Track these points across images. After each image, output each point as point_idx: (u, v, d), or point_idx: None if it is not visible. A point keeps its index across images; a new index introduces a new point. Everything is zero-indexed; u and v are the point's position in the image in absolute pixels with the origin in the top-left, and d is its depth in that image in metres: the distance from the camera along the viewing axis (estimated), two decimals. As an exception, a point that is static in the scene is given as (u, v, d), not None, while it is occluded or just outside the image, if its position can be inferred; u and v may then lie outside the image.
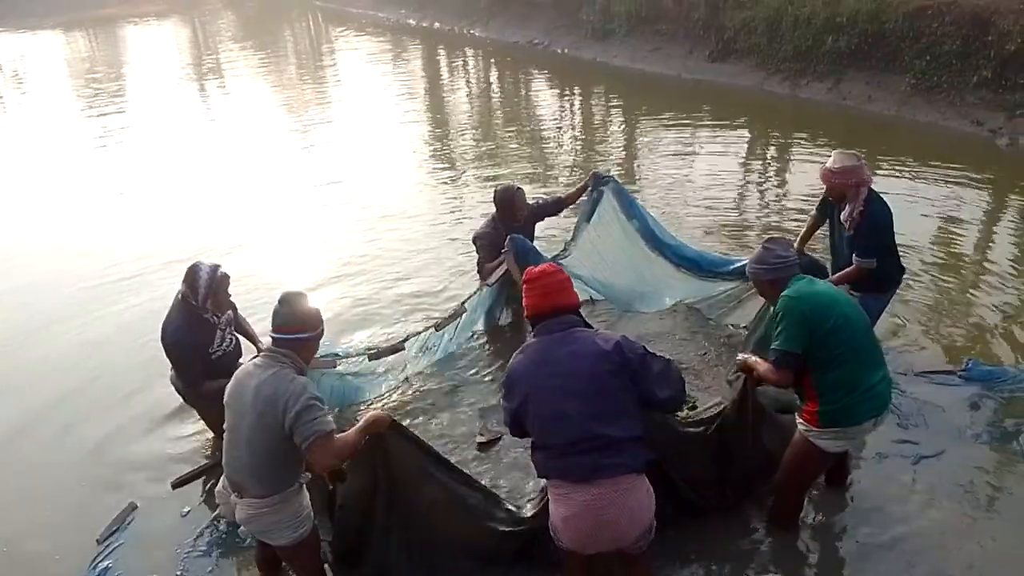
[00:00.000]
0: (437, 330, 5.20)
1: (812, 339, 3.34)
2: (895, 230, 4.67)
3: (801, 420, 3.55)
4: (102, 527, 4.23)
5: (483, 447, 4.65)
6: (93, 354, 6.15)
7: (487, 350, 5.69)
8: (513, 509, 3.70)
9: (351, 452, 3.21)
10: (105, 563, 4.00)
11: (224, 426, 3.28)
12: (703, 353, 5.39)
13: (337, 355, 4.68)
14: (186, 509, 4.33)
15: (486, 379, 5.35)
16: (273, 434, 3.06)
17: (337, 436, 3.12)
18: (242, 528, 3.86)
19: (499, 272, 5.26)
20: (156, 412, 5.16)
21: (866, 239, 4.51)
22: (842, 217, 4.62)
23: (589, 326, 3.22)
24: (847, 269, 4.61)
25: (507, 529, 3.61)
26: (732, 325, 5.61)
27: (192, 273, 4.20)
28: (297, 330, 3.18)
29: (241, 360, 4.34)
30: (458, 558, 3.63)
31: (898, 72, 11.95)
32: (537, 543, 3.50)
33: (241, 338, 4.66)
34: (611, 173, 5.66)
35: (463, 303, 5.31)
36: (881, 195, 4.59)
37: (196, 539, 4.10)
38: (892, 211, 4.60)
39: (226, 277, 4.31)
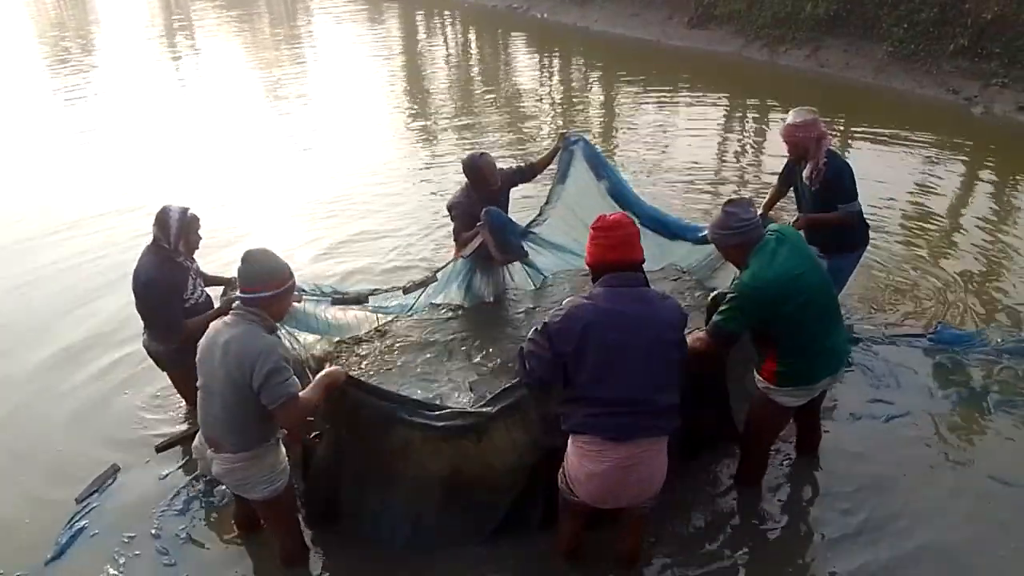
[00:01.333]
0: (405, 293, 5.18)
1: (773, 319, 3.33)
2: (860, 192, 4.70)
3: (760, 377, 3.58)
4: (82, 487, 4.22)
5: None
6: (77, 311, 6.11)
7: (470, 324, 5.60)
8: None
9: (313, 410, 3.25)
10: (82, 523, 3.99)
11: (197, 383, 3.25)
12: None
13: (303, 290, 4.67)
14: (166, 472, 4.32)
15: (470, 355, 5.25)
16: (243, 392, 3.05)
17: (300, 396, 3.11)
18: (219, 486, 3.90)
19: (474, 244, 5.19)
20: (141, 375, 5.07)
21: (840, 185, 4.55)
22: (804, 175, 4.66)
23: (649, 284, 3.14)
24: (833, 214, 4.61)
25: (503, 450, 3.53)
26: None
27: (162, 215, 4.14)
28: (264, 287, 3.11)
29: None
30: (441, 498, 3.61)
31: (876, 40, 11.99)
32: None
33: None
34: (580, 134, 5.60)
35: (435, 272, 5.28)
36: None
37: (172, 498, 4.10)
38: (856, 170, 4.65)
39: (196, 218, 4.23)
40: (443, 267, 5.34)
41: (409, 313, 5.51)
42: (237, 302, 3.17)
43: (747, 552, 3.67)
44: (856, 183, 4.64)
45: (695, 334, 3.49)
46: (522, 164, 5.75)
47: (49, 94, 14.61)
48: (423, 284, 5.22)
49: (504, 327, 5.56)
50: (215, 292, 4.60)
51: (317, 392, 3.23)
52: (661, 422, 3.01)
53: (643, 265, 3.12)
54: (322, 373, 3.33)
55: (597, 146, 5.79)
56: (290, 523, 3.56)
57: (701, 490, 4.01)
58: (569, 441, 3.10)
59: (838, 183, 4.55)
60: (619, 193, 5.47)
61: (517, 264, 5.63)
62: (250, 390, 3.03)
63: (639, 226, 5.04)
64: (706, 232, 4.73)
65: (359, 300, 4.96)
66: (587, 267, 3.17)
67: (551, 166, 5.71)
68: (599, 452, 2.98)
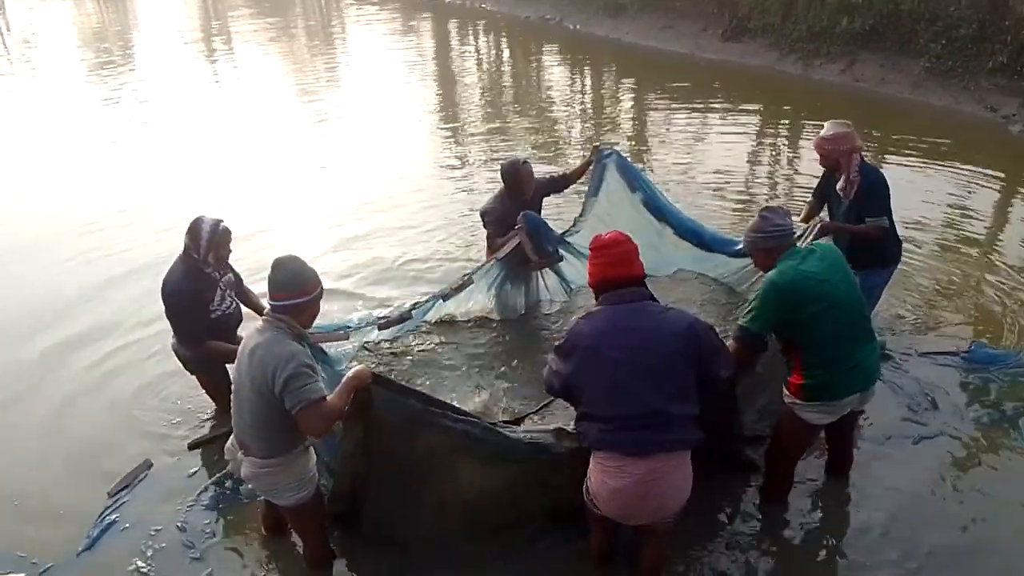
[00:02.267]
0: (444, 300, 5.22)
1: (795, 322, 3.32)
2: (893, 208, 4.67)
3: (786, 391, 3.55)
4: (114, 481, 4.29)
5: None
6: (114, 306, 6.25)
7: (504, 339, 5.57)
8: (527, 437, 3.55)
9: (339, 414, 3.22)
10: (113, 516, 4.06)
11: (232, 386, 3.32)
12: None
13: (348, 327, 4.71)
14: (196, 468, 4.39)
15: (500, 368, 5.22)
16: (267, 399, 3.06)
17: (325, 401, 3.10)
18: (245, 485, 3.94)
19: (509, 247, 5.23)
20: (174, 373, 5.04)
21: (869, 199, 4.52)
22: (838, 187, 4.65)
23: (654, 298, 3.19)
24: (861, 226, 4.57)
25: (523, 457, 3.50)
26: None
27: (195, 226, 4.22)
28: (292, 295, 3.14)
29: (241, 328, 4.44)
30: (466, 504, 3.59)
31: (912, 55, 11.86)
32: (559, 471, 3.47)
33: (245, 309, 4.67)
34: (614, 146, 5.60)
35: (470, 275, 5.29)
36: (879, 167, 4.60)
37: (200, 494, 4.17)
38: (891, 186, 4.62)
39: (228, 232, 4.31)
40: (476, 270, 5.35)
41: (454, 313, 5.59)
42: (267, 309, 3.21)
43: (767, 570, 3.63)
44: (890, 199, 4.60)
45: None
46: (555, 174, 5.75)
47: (87, 97, 14.96)
48: (460, 288, 5.24)
49: (536, 339, 5.53)
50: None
51: (343, 395, 3.20)
52: (678, 435, 3.00)
53: (644, 280, 3.16)
54: (348, 374, 3.29)
55: (629, 157, 5.77)
56: (316, 529, 3.58)
57: (726, 503, 3.98)
58: (591, 458, 3.11)
59: (870, 196, 4.51)
60: (654, 204, 5.49)
61: (551, 274, 5.66)
62: (273, 396, 3.04)
63: (675, 236, 5.05)
64: (741, 245, 4.75)
65: (403, 318, 4.97)
66: (590, 286, 3.22)
67: (583, 178, 5.73)
68: (619, 468, 2.99)
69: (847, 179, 4.56)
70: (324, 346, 4.24)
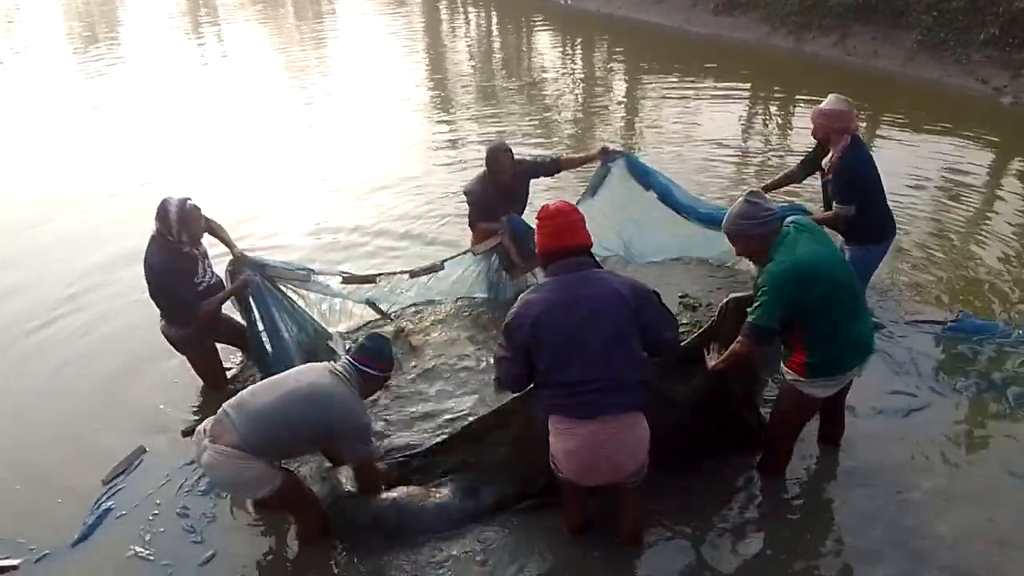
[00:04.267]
0: (411, 277, 5.21)
1: (800, 307, 3.31)
2: (886, 185, 4.71)
3: (788, 369, 3.57)
4: (109, 468, 4.31)
5: None
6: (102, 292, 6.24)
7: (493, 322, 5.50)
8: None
9: (378, 491, 3.69)
10: (108, 503, 4.08)
11: (273, 374, 3.57)
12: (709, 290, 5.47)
13: (312, 270, 4.82)
14: (191, 454, 4.31)
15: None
16: (310, 420, 3.32)
17: (377, 468, 3.70)
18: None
19: (489, 244, 5.24)
20: (164, 359, 5.10)
21: (842, 185, 4.54)
22: (823, 162, 4.68)
23: (600, 266, 3.27)
24: (826, 213, 4.65)
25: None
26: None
27: (162, 209, 4.22)
28: (375, 366, 3.54)
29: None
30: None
31: (905, 28, 11.79)
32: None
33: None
34: (621, 149, 5.56)
35: (443, 261, 5.28)
36: (868, 146, 4.61)
37: (198, 480, 4.17)
38: (876, 166, 4.63)
39: (196, 208, 4.31)
40: (452, 257, 5.33)
41: (415, 300, 5.58)
42: (346, 361, 3.53)
43: (760, 542, 3.67)
44: (870, 186, 4.60)
45: (732, 352, 3.52)
46: (545, 158, 5.68)
47: (72, 78, 14.85)
48: (430, 270, 5.25)
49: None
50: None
51: (383, 483, 3.71)
52: (626, 397, 3.09)
53: (590, 249, 3.22)
54: (387, 475, 3.81)
55: (623, 142, 5.75)
56: (301, 507, 3.63)
57: (722, 477, 4.01)
58: (548, 423, 3.19)
59: (840, 180, 4.52)
60: (670, 199, 5.47)
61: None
62: (318, 428, 3.36)
63: (696, 222, 5.03)
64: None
65: (367, 280, 5.06)
66: (537, 256, 3.26)
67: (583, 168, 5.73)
68: (570, 430, 3.10)
69: (832, 157, 4.59)
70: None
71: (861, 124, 4.88)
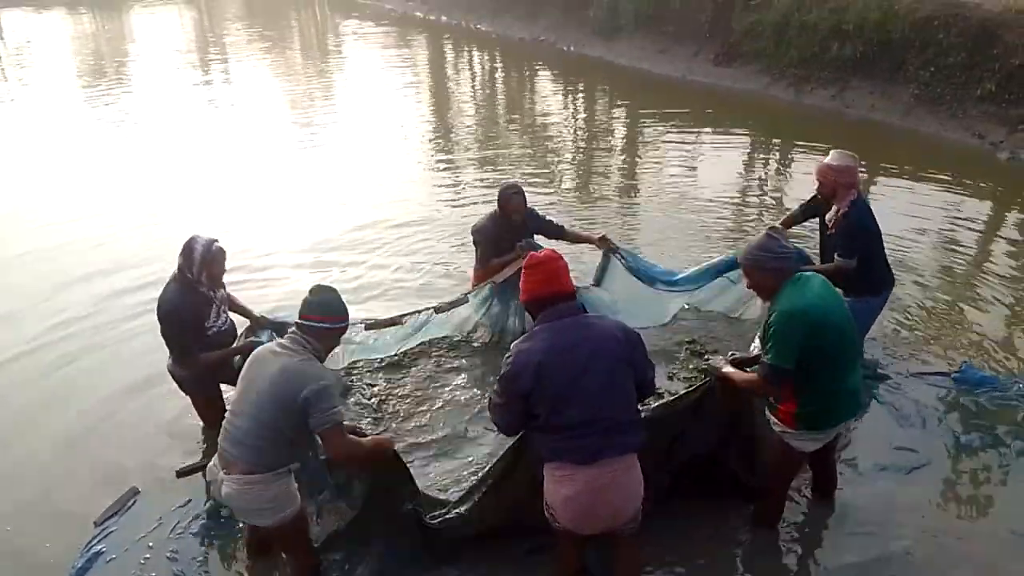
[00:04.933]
0: (437, 312, 5.35)
1: (808, 348, 3.29)
2: (884, 236, 4.76)
3: (776, 420, 3.55)
4: (101, 509, 4.25)
5: None
6: (100, 338, 6.18)
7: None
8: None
9: (358, 458, 3.45)
10: (99, 547, 4.00)
11: (233, 397, 3.39)
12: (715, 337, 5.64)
13: None
14: (185, 497, 4.33)
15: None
16: (284, 410, 3.16)
17: (349, 436, 3.35)
18: (224, 510, 3.98)
19: (507, 272, 5.29)
20: (165, 398, 5.06)
21: (846, 239, 4.57)
22: (827, 217, 4.71)
23: (586, 310, 3.32)
24: (827, 265, 4.66)
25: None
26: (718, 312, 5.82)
27: (188, 246, 4.22)
28: (324, 319, 3.31)
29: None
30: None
31: (902, 82, 11.97)
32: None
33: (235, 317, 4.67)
34: (619, 246, 5.67)
35: (467, 293, 5.45)
36: (869, 202, 4.66)
37: (190, 522, 4.12)
38: (877, 220, 4.69)
39: (221, 251, 4.31)
40: (474, 291, 5.45)
41: (444, 333, 5.65)
42: (294, 328, 3.33)
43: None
44: (872, 240, 4.64)
45: (745, 378, 3.56)
46: (553, 221, 5.74)
47: (80, 112, 14.99)
48: (456, 303, 5.39)
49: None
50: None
51: (366, 450, 3.45)
52: (624, 438, 3.09)
53: (575, 294, 3.26)
54: (375, 438, 3.63)
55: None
56: (301, 547, 3.59)
57: (714, 528, 3.96)
58: (544, 470, 3.17)
59: (845, 235, 4.55)
60: (673, 283, 5.57)
61: None
62: (292, 409, 3.14)
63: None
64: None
65: (392, 323, 5.19)
66: (523, 304, 3.30)
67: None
68: (570, 476, 3.07)
69: (836, 211, 4.61)
70: None
71: (861, 175, 4.94)
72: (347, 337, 4.80)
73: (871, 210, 4.70)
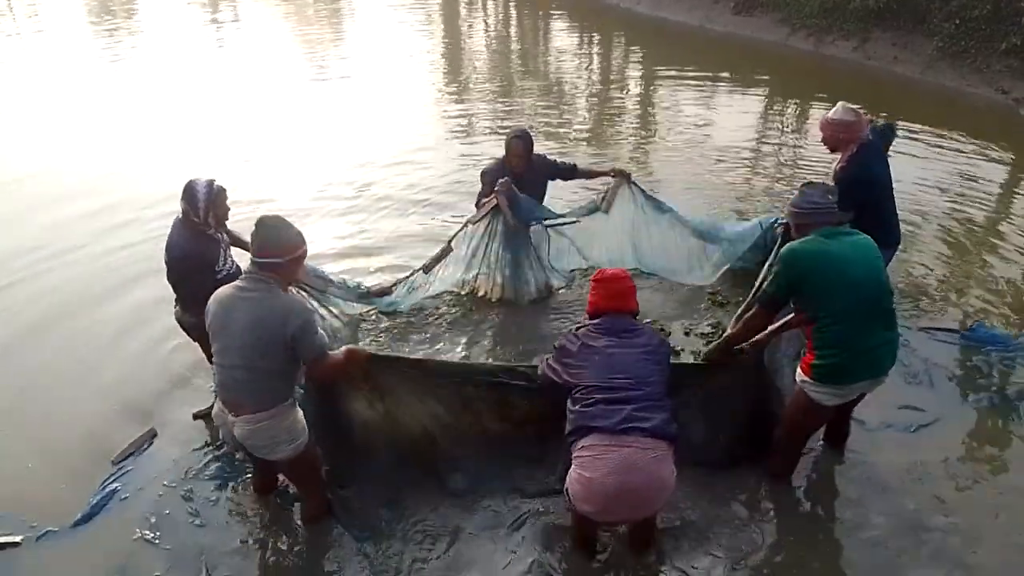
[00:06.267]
0: (425, 272, 5.34)
1: (809, 293, 3.39)
2: (901, 191, 4.74)
3: (800, 371, 3.59)
4: (118, 450, 4.31)
5: None
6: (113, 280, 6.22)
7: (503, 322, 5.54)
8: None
9: (342, 372, 3.59)
10: (114, 485, 4.07)
11: (212, 348, 3.37)
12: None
13: (331, 281, 4.88)
14: (200, 438, 4.40)
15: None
16: (271, 348, 3.19)
17: (331, 357, 3.39)
18: (239, 454, 4.04)
19: (485, 208, 5.26)
20: (179, 344, 5.05)
21: (843, 191, 4.47)
22: (832, 167, 4.76)
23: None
24: None
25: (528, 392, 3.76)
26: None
27: (189, 189, 4.14)
28: (277, 254, 3.25)
29: None
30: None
31: (925, 34, 11.73)
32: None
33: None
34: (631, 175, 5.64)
35: (448, 242, 5.36)
36: (878, 155, 4.66)
37: (205, 464, 4.19)
38: (888, 170, 4.69)
39: (223, 190, 4.24)
40: (454, 236, 5.39)
41: (441, 289, 5.64)
42: (249, 266, 3.29)
43: (762, 548, 3.65)
44: (874, 187, 4.60)
45: (742, 323, 3.70)
46: (566, 162, 5.67)
47: (92, 58, 14.86)
48: (441, 257, 5.34)
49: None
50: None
51: (340, 355, 3.49)
52: (655, 423, 3.09)
53: (636, 314, 3.52)
54: (344, 349, 3.59)
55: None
56: (314, 481, 3.68)
57: (728, 481, 3.98)
58: (572, 462, 3.18)
59: (845, 187, 4.46)
60: (684, 220, 5.63)
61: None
62: (279, 347, 3.17)
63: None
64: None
65: (383, 292, 5.23)
66: (587, 315, 3.52)
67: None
68: (596, 457, 3.05)
69: (837, 164, 4.65)
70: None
71: (879, 128, 4.86)
72: (346, 288, 5.00)
73: (872, 164, 4.62)
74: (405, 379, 3.82)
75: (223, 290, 3.35)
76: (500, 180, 5.14)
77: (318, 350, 3.27)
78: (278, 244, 3.26)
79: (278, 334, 3.16)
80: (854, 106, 4.60)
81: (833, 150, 4.69)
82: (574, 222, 5.63)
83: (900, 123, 9.57)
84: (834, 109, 4.60)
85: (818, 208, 3.51)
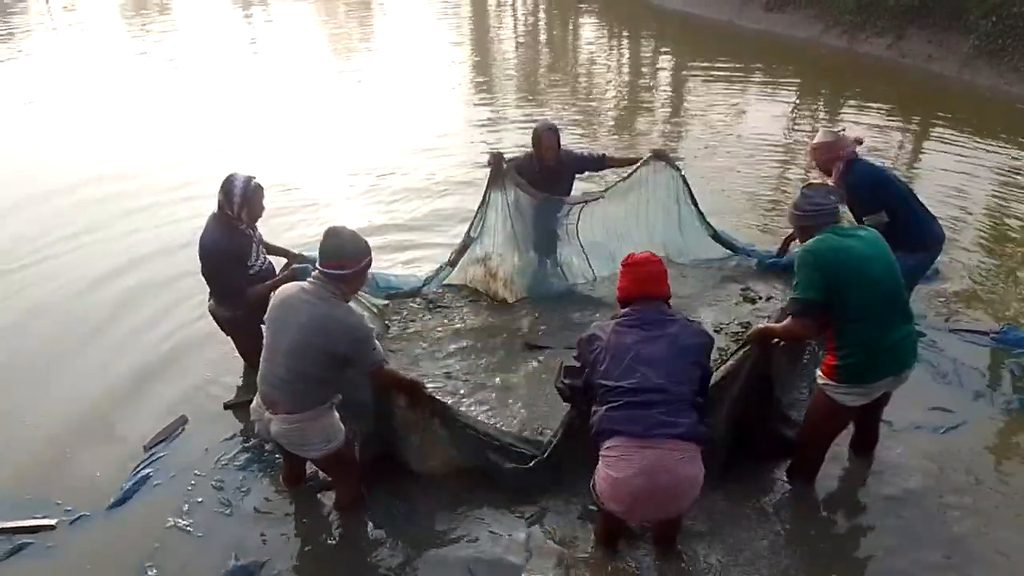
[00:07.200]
0: (452, 267, 5.45)
1: (829, 291, 3.32)
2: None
3: (819, 372, 3.55)
4: (150, 436, 4.38)
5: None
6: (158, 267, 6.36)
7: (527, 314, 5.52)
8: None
9: (401, 387, 3.68)
10: (147, 470, 4.15)
11: (264, 342, 3.43)
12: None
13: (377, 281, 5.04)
14: (231, 428, 4.46)
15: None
16: (320, 357, 3.23)
17: (388, 369, 3.52)
18: (268, 445, 4.09)
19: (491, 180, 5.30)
20: (212, 335, 5.04)
21: (853, 199, 4.49)
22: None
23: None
24: None
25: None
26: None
27: (227, 183, 4.22)
28: (347, 265, 3.32)
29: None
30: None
31: (962, 32, 11.54)
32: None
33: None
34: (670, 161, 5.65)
35: (468, 233, 5.42)
36: (867, 161, 4.74)
37: (236, 453, 4.24)
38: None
39: (259, 188, 4.30)
40: (472, 225, 5.43)
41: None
42: (317, 273, 3.33)
43: (778, 552, 3.62)
44: (877, 197, 4.56)
45: (781, 325, 3.61)
46: (593, 153, 5.65)
47: (127, 56, 15.06)
48: (464, 249, 5.43)
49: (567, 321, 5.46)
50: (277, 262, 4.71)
51: (401, 383, 3.66)
52: (684, 425, 3.02)
53: (668, 298, 3.35)
54: (410, 379, 3.74)
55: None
56: (348, 475, 3.72)
57: (750, 482, 3.96)
58: (600, 454, 3.15)
59: (852, 197, 4.44)
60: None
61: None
62: (327, 357, 3.24)
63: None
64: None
65: (413, 294, 5.37)
66: (618, 301, 3.37)
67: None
68: (623, 457, 3.02)
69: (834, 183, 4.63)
70: None
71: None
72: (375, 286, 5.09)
73: (875, 170, 4.73)
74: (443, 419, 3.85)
75: (289, 287, 3.43)
76: (491, 153, 5.31)
77: (375, 364, 3.39)
78: (343, 255, 3.32)
79: (330, 347, 3.24)
80: (835, 128, 4.69)
81: (827, 173, 4.77)
82: (597, 199, 5.55)
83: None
84: (816, 136, 4.82)
85: (821, 209, 3.45)
